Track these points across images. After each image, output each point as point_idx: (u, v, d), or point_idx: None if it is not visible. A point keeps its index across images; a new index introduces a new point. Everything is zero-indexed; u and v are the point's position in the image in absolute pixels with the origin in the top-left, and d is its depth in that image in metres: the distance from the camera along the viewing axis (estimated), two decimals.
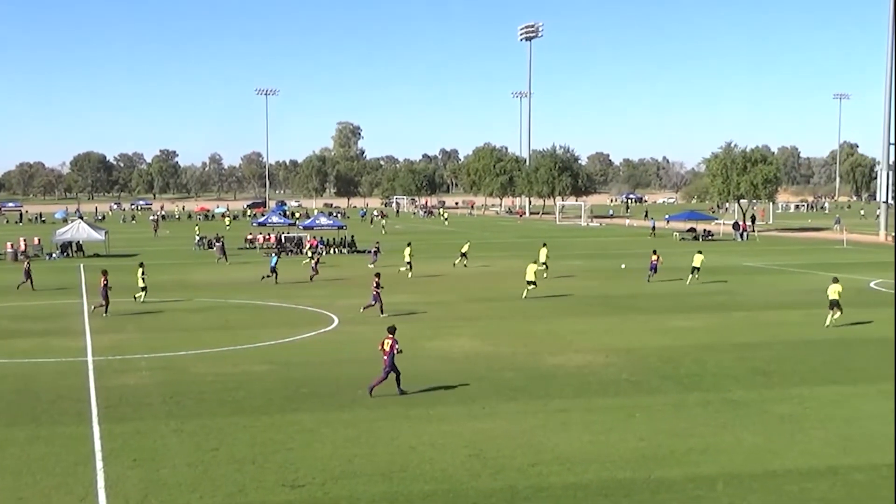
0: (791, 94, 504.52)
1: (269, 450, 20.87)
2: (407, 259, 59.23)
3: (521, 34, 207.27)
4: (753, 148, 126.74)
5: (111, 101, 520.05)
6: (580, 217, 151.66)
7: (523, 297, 46.81)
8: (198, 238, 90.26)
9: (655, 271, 55.91)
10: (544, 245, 62.42)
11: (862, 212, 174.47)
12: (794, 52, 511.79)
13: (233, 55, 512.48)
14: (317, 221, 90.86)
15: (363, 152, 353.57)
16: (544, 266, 57.51)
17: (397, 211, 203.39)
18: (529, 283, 47.19)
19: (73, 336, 36.57)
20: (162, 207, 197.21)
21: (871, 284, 54.87)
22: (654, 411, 24.42)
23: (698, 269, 54.37)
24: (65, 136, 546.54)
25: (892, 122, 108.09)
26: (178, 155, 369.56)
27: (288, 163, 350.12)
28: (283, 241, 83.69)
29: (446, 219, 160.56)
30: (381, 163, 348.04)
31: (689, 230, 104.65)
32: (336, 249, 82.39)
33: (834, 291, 40.21)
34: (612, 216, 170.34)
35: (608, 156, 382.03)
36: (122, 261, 70.06)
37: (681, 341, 35.13)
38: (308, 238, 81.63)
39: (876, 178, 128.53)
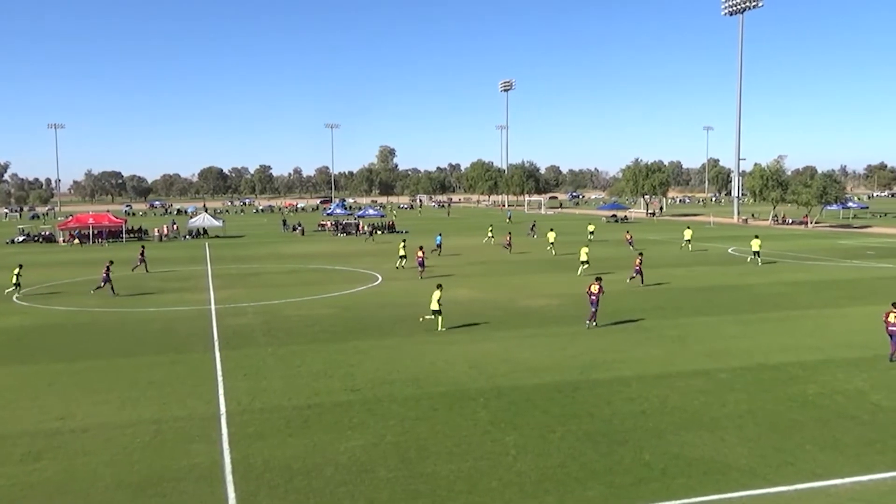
0: (671, 125, 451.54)
1: (336, 365, 20.74)
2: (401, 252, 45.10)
3: None
4: (653, 161, 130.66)
5: None
6: None
7: (578, 273, 39.57)
8: None
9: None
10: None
11: (705, 201, 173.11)
12: (672, 94, 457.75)
13: None
14: None
15: None
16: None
17: None
18: (583, 262, 40.19)
19: (201, 291, 36.46)
20: None
21: (729, 250, 54.81)
22: (588, 335, 24.30)
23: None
24: None
25: (740, 144, 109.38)
26: None
27: None
28: None
29: None
30: None
31: (612, 216, 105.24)
32: None
33: (756, 244, 42.30)
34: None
35: None
36: None
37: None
38: None
39: (731, 181, 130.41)
